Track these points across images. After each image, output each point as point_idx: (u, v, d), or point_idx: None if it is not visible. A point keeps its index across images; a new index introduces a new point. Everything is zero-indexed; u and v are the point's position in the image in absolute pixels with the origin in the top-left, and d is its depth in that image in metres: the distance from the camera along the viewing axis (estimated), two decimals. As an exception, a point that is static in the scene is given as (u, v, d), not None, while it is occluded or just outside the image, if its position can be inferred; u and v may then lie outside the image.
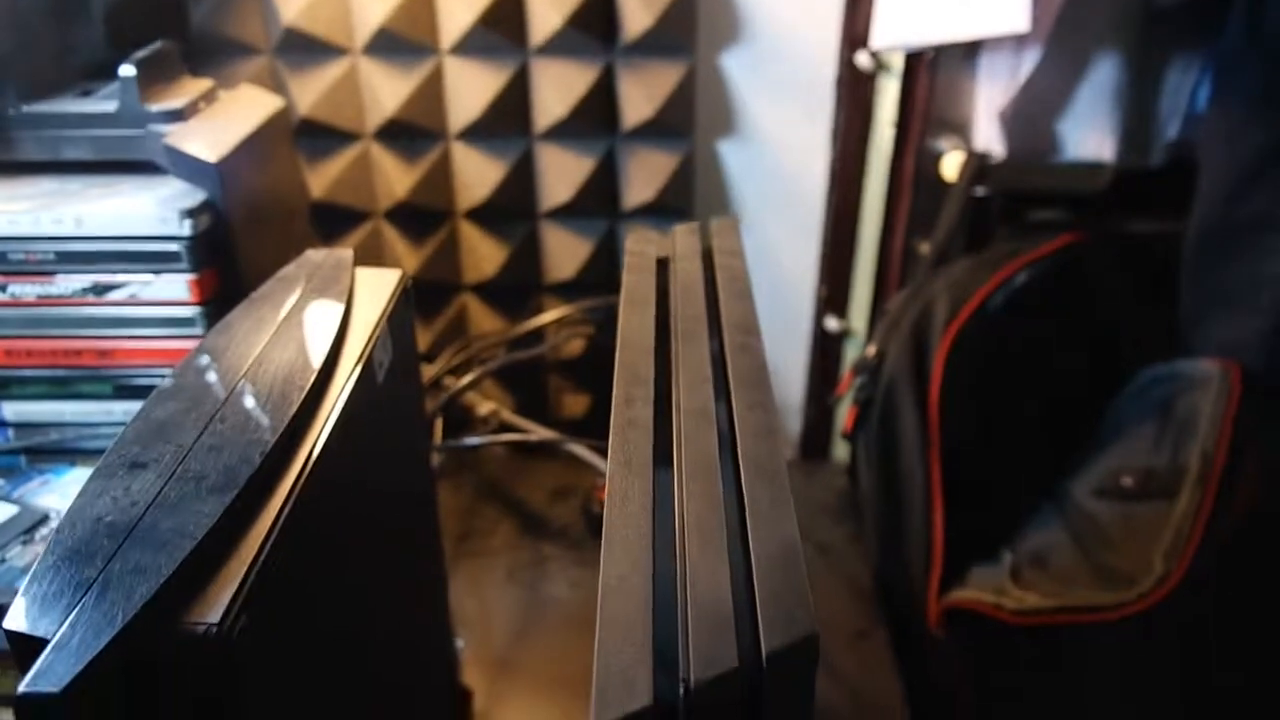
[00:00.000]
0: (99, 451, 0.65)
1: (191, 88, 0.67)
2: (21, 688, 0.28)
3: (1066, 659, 0.71)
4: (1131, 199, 0.85)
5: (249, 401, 0.41)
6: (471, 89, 0.88)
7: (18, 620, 0.30)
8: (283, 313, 0.48)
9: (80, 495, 0.35)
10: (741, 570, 0.30)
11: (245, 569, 0.33)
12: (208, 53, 0.85)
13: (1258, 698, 0.71)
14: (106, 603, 0.30)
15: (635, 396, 0.39)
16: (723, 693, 0.27)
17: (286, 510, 0.36)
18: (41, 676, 0.28)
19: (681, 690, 0.27)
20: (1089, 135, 0.85)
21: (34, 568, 0.32)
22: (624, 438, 0.36)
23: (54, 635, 0.29)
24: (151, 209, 0.58)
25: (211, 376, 0.42)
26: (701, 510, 0.32)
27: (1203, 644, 0.69)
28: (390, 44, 0.86)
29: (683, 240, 0.53)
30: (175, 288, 0.60)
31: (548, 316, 0.96)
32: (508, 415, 0.94)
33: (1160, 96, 0.84)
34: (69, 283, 0.60)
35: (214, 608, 0.31)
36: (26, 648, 0.29)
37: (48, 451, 0.65)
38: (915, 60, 0.86)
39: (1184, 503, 0.70)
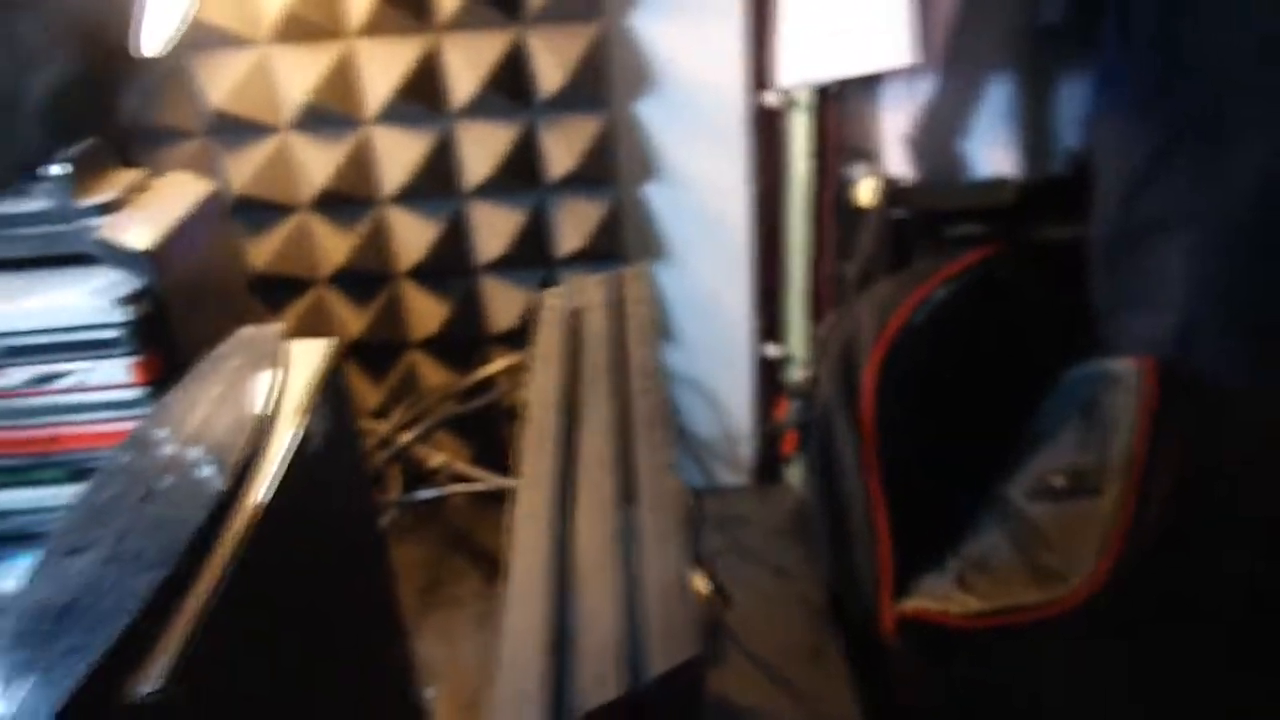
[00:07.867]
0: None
1: (123, 179, 0.69)
2: (-32, 769, 0.30)
3: (1013, 658, 0.74)
4: (1039, 208, 0.89)
5: (185, 479, 0.43)
6: (399, 155, 0.91)
7: (-37, 707, 0.32)
8: (216, 391, 0.50)
9: (21, 584, 0.37)
10: (634, 602, 0.33)
11: (184, 639, 0.35)
12: (143, 140, 0.88)
13: (1204, 688, 0.73)
14: (46, 683, 0.32)
15: (541, 449, 0.42)
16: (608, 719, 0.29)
17: (225, 580, 0.38)
18: (-14, 757, 0.30)
19: None
20: (992, 152, 0.89)
21: (-23, 658, 0.34)
22: (528, 493, 0.39)
23: (-4, 719, 0.31)
24: (87, 300, 0.61)
25: (147, 459, 0.45)
26: (596, 552, 0.35)
27: (1142, 635, 0.72)
28: (316, 119, 0.89)
29: (594, 292, 0.56)
30: (117, 372, 0.63)
31: (494, 367, 0.98)
32: (460, 466, 0.96)
33: (1055, 108, 0.88)
34: (14, 375, 0.62)
35: (152, 677, 0.33)
36: (-27, 732, 0.31)
37: (5, 539, 0.67)
38: (824, 93, 0.90)
39: (1110, 498, 0.72)
